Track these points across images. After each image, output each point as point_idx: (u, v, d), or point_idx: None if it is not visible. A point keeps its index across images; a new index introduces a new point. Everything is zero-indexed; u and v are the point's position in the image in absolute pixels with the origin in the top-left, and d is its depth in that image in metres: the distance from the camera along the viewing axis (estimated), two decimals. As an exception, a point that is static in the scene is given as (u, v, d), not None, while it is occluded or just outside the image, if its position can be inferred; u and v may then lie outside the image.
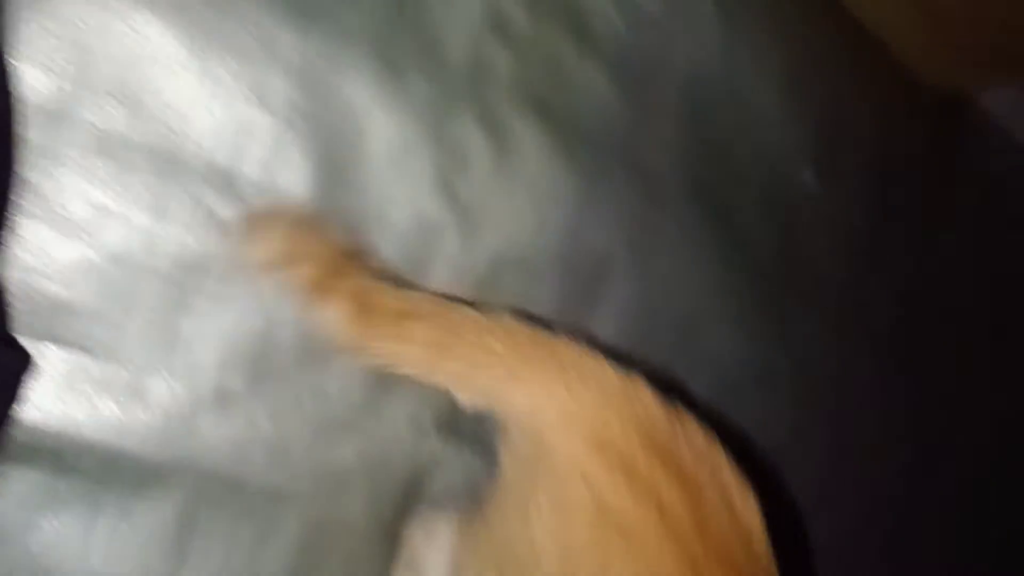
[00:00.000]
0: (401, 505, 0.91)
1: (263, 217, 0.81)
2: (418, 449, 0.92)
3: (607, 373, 0.71)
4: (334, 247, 0.81)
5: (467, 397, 0.76)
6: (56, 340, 0.76)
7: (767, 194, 1.22)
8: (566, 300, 1.02)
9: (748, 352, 1.19)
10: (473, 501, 0.81)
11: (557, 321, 0.97)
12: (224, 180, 0.82)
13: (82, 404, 0.77)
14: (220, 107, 0.82)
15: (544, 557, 0.66)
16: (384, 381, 0.90)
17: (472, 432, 0.94)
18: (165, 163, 0.80)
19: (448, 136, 0.94)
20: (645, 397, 0.70)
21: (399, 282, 0.86)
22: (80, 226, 0.77)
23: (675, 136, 1.14)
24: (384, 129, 0.90)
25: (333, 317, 0.75)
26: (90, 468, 0.77)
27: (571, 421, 0.68)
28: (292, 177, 0.85)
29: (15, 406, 0.72)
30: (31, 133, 0.74)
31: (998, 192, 1.53)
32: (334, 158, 0.87)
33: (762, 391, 1.19)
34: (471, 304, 0.82)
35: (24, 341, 0.74)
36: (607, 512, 0.65)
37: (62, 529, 0.76)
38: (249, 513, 0.84)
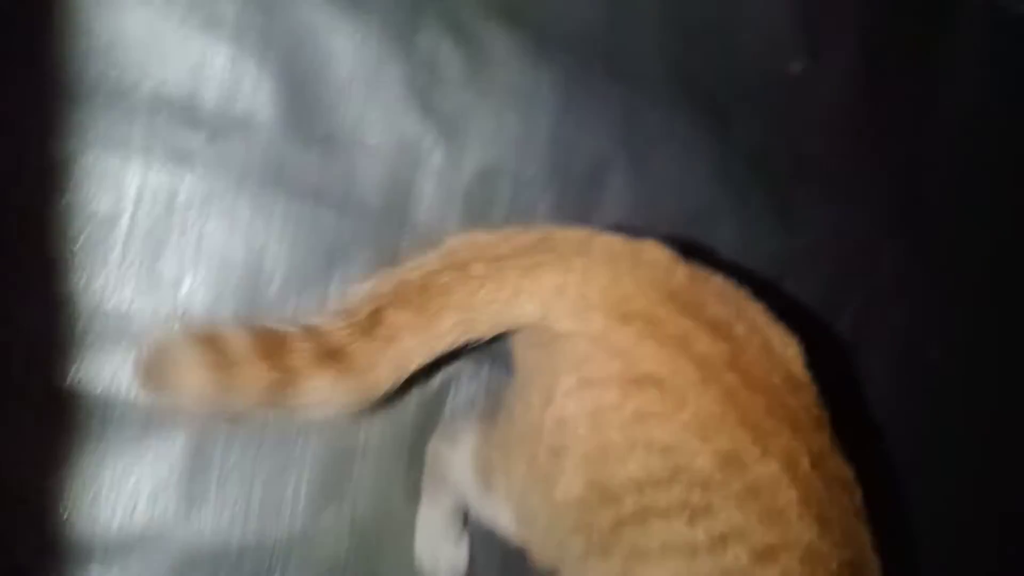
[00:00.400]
0: (422, 424, 0.90)
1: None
2: (432, 366, 0.90)
3: (615, 245, 0.69)
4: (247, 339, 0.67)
5: (479, 337, 0.73)
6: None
7: (757, 85, 1.19)
8: (563, 207, 1.00)
9: (757, 243, 1.15)
10: (492, 406, 0.80)
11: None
12: (185, 112, 0.81)
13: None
14: (176, 37, 0.80)
15: (573, 429, 0.65)
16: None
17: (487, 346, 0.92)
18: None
19: (417, 49, 0.92)
20: (660, 257, 0.68)
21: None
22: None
23: (657, 35, 1.11)
24: (350, 47, 0.88)
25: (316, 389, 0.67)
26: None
27: (588, 306, 0.66)
28: (255, 102, 0.83)
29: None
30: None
31: (991, 67, 1.48)
32: (298, 81, 0.86)
33: (780, 276, 1.16)
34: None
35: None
36: (639, 375, 0.63)
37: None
38: (261, 447, 0.83)
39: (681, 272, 0.67)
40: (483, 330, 0.69)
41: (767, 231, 1.18)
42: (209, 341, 0.64)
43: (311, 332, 0.66)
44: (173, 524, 0.79)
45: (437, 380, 0.92)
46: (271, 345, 0.65)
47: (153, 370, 0.63)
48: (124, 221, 0.78)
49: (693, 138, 1.11)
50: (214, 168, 0.82)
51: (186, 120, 0.81)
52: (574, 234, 0.71)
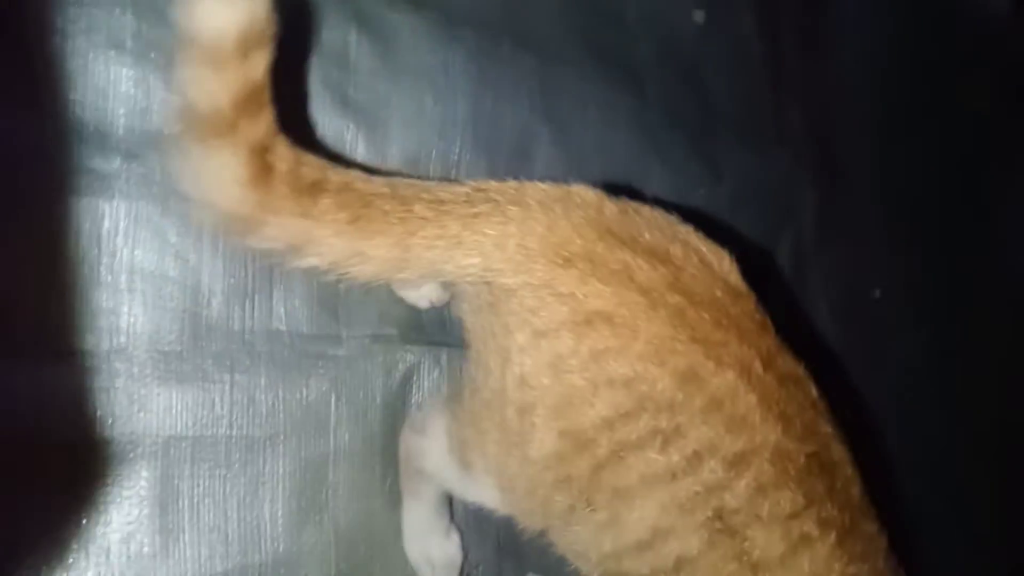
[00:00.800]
0: (390, 422, 0.88)
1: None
2: (392, 361, 0.89)
3: (547, 192, 0.69)
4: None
5: (405, 278, 0.71)
6: None
7: (661, 39, 1.20)
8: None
9: (685, 194, 1.17)
10: (455, 388, 0.78)
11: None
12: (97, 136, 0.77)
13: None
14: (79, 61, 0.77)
15: (536, 383, 0.65)
16: (336, 307, 0.86)
17: (439, 329, 0.91)
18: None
19: (325, 44, 0.90)
20: (590, 197, 0.69)
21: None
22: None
23: (559, 3, 1.11)
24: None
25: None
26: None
27: (528, 256, 0.65)
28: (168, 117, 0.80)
29: None
30: None
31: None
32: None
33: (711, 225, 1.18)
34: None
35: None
36: (588, 314, 0.63)
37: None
38: (230, 466, 0.79)
39: (611, 208, 0.68)
40: (417, 273, 0.68)
41: (694, 181, 1.19)
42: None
43: (275, 138, 0.65)
44: (151, 564, 0.75)
45: (399, 374, 0.90)
46: (255, 100, 0.63)
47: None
48: (58, 256, 0.74)
49: (611, 99, 1.12)
50: (135, 191, 0.78)
51: (99, 144, 0.77)
52: (507, 185, 0.71)
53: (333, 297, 0.87)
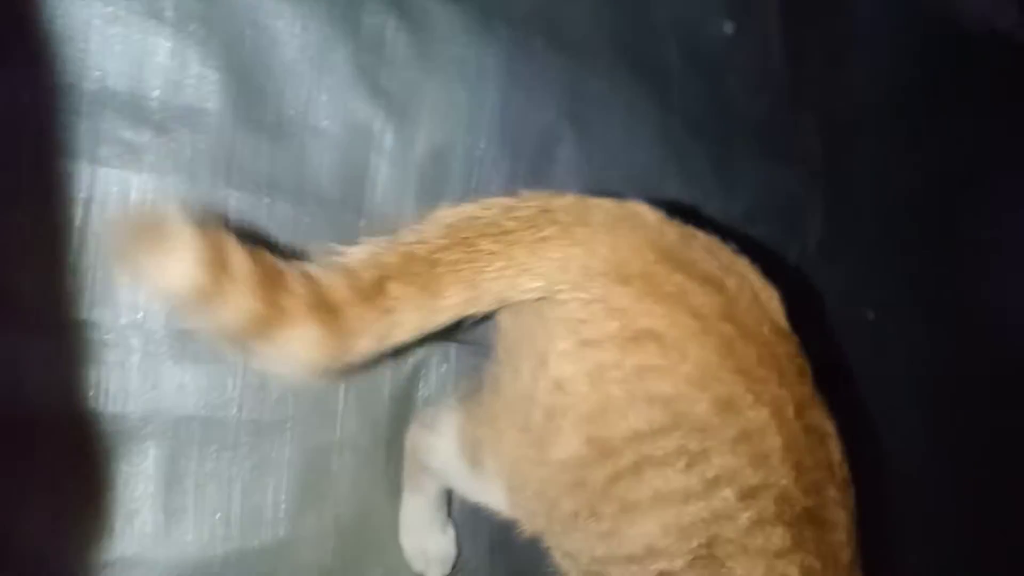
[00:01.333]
0: (397, 415, 0.88)
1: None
2: (401, 354, 0.88)
3: (611, 211, 0.69)
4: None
5: (478, 312, 0.70)
6: None
7: (690, 48, 1.20)
8: (516, 180, 0.99)
9: (699, 205, 1.17)
10: (471, 386, 0.79)
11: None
12: (130, 107, 0.76)
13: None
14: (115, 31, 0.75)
15: (572, 389, 0.66)
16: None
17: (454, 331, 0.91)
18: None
19: (362, 30, 0.89)
20: (651, 218, 0.69)
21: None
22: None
23: (594, 5, 1.10)
24: (294, 30, 0.84)
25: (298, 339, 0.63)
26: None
27: (589, 274, 0.66)
28: (200, 92, 0.79)
29: None
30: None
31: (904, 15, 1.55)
32: (243, 68, 0.81)
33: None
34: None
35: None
36: (638, 331, 0.64)
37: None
38: (237, 449, 0.79)
39: (671, 231, 0.69)
40: (485, 306, 0.68)
41: (708, 192, 1.20)
42: (214, 242, 0.59)
43: (311, 280, 0.63)
44: (153, 542, 0.75)
45: (408, 368, 0.90)
46: (271, 278, 0.62)
47: (145, 234, 0.58)
48: (75, 228, 0.73)
49: (635, 104, 1.11)
50: (164, 164, 0.77)
51: (132, 116, 0.75)
52: (571, 202, 0.70)
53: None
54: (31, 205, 0.72)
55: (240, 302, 0.60)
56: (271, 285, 0.61)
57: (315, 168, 0.86)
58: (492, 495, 0.78)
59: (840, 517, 0.70)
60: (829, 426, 0.70)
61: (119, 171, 0.75)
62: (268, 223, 0.83)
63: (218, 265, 0.59)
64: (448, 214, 0.69)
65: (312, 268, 0.64)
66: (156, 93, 0.77)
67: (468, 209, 0.69)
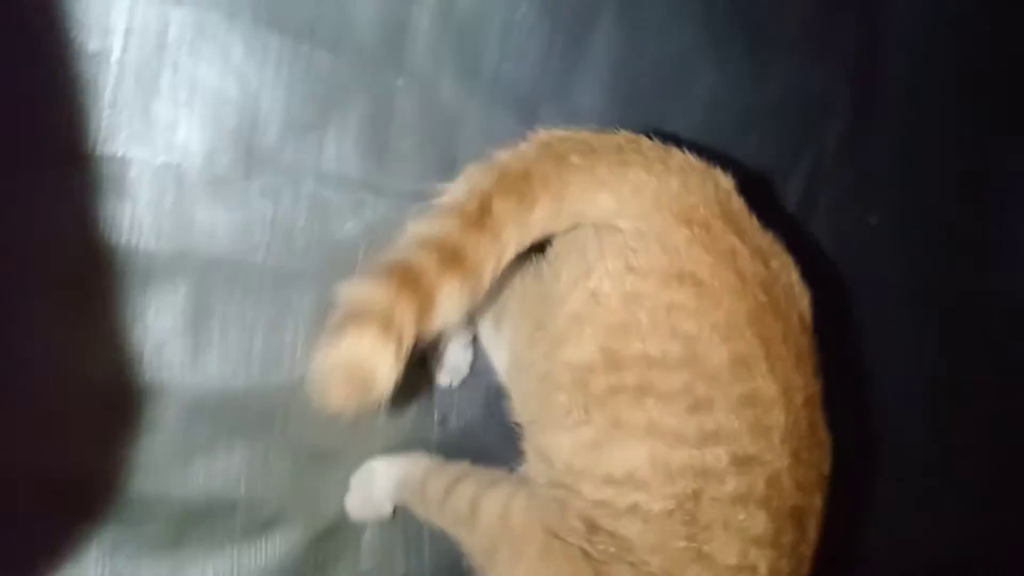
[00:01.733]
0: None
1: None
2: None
3: (691, 162, 0.72)
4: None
5: (557, 230, 0.73)
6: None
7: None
8: (554, 47, 0.98)
9: (728, 94, 1.17)
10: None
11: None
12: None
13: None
14: None
15: (605, 302, 0.68)
16: (383, 156, 0.87)
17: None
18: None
19: None
20: (726, 184, 0.71)
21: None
22: None
23: None
24: None
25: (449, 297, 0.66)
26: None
27: (657, 206, 0.68)
28: None
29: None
30: None
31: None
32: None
33: (745, 132, 1.19)
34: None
35: None
36: (683, 272, 0.67)
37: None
38: (260, 293, 0.82)
39: (737, 201, 0.71)
40: (565, 223, 0.71)
41: (738, 83, 1.18)
42: (376, 320, 0.63)
43: (429, 241, 0.66)
44: (179, 373, 0.79)
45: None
46: (405, 277, 0.65)
47: (358, 387, 0.63)
48: (114, 60, 0.72)
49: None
50: (204, 1, 0.75)
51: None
52: (658, 145, 0.73)
53: (382, 145, 0.87)
54: (67, 34, 0.71)
55: (410, 319, 0.65)
56: (409, 281, 0.65)
57: (356, 17, 0.84)
58: (498, 359, 0.83)
59: (813, 534, 0.72)
60: (826, 436, 0.72)
61: (158, 5, 0.73)
62: (307, 73, 0.82)
63: (390, 328, 0.64)
64: (544, 135, 0.72)
65: (425, 222, 0.68)
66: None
67: (562, 132, 0.72)
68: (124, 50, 0.72)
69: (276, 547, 0.87)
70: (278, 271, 0.83)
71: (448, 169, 0.90)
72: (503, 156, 0.70)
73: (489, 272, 0.68)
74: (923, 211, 1.43)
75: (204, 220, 0.79)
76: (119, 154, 0.73)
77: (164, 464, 0.79)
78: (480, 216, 0.67)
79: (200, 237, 0.79)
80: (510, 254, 0.69)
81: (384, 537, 0.92)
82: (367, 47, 0.85)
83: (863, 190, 1.38)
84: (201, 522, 0.82)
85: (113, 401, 0.76)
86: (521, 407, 0.77)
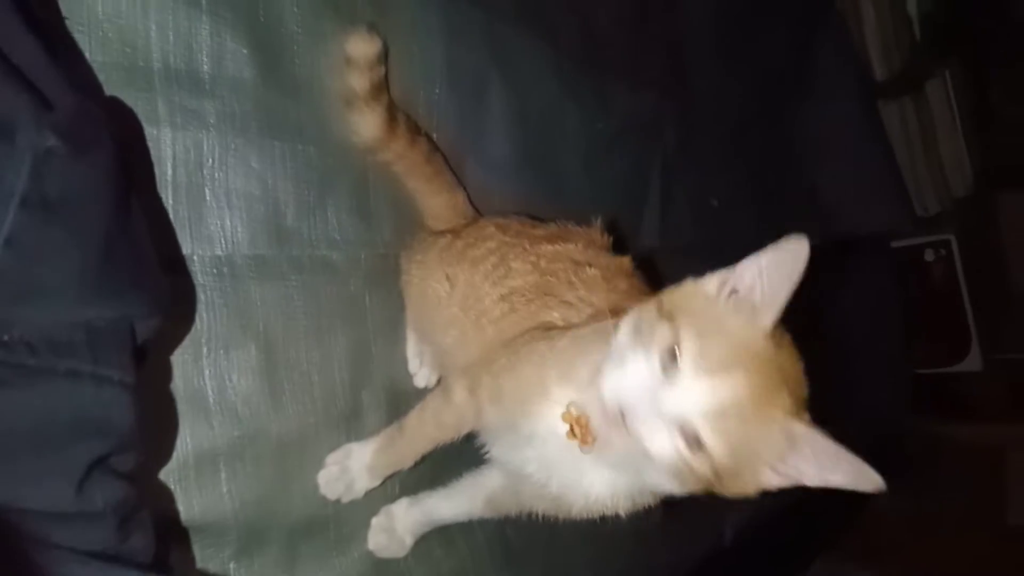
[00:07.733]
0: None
1: None
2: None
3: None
4: None
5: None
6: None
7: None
8: (465, 121, 1.26)
9: (592, 126, 1.49)
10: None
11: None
12: (190, 80, 0.94)
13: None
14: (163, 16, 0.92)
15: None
16: (368, 217, 1.10)
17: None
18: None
19: (342, 6, 1.09)
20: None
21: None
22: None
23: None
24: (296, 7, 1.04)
25: None
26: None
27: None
28: (237, 63, 0.98)
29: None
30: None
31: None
32: (261, 39, 1.00)
33: (611, 151, 1.52)
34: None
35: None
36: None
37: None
38: (307, 342, 1.02)
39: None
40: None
41: (597, 114, 1.51)
42: None
43: None
44: (267, 416, 0.97)
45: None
46: None
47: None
48: (168, 182, 0.91)
49: (537, 53, 1.40)
50: (223, 125, 0.96)
51: (192, 87, 0.94)
52: None
53: (366, 210, 1.10)
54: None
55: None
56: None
57: (328, 115, 1.07)
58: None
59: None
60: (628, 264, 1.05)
61: (193, 137, 0.94)
62: (304, 166, 1.03)
63: None
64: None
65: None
66: (206, 67, 0.95)
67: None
68: (175, 174, 0.92)
69: (364, 555, 1.05)
70: (318, 327, 1.03)
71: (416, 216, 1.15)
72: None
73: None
74: (751, 184, 1.82)
75: (255, 293, 0.98)
76: (183, 253, 0.92)
77: (270, 496, 0.96)
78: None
79: (254, 307, 0.98)
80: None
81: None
82: (343, 141, 1.08)
83: (703, 179, 1.75)
84: (308, 540, 0.99)
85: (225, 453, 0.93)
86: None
